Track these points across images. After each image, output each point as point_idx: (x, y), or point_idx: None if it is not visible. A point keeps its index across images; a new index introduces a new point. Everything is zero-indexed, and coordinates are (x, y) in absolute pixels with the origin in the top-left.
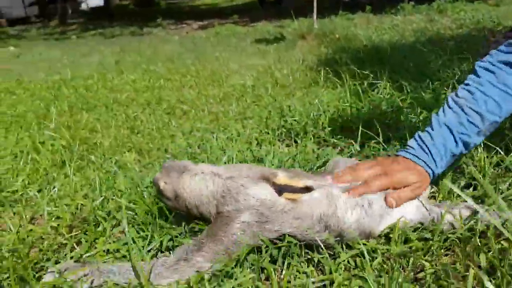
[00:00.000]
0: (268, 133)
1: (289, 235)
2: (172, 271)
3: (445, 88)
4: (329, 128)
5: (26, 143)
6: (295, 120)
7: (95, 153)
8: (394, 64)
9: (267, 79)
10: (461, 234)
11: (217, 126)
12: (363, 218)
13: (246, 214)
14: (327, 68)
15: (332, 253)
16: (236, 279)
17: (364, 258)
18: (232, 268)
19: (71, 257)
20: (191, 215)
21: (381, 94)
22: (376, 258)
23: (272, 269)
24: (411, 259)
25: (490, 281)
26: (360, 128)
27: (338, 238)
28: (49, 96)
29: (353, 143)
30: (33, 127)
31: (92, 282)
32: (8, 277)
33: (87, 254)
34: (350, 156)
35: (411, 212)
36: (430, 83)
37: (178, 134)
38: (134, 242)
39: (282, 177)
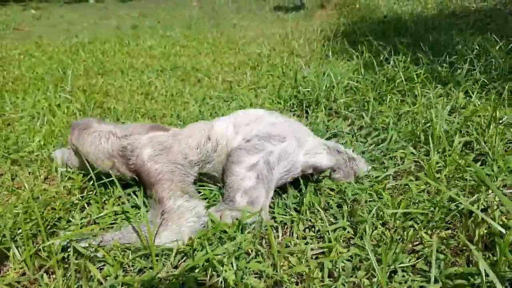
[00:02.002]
0: (280, 103)
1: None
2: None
3: (463, 63)
4: (341, 100)
5: (42, 105)
6: (308, 90)
7: (109, 117)
8: (414, 37)
9: (283, 48)
10: (463, 208)
11: (230, 95)
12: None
13: (148, 149)
14: (345, 39)
15: (334, 221)
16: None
17: (365, 229)
18: (235, 231)
19: (82, 218)
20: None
21: (396, 67)
22: (376, 228)
23: (272, 235)
24: (411, 231)
25: (487, 257)
26: (372, 101)
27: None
28: (66, 60)
29: (364, 115)
30: (50, 90)
31: (99, 243)
32: (21, 233)
33: (97, 216)
34: (360, 129)
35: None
36: (447, 57)
37: (191, 102)
38: (138, 207)
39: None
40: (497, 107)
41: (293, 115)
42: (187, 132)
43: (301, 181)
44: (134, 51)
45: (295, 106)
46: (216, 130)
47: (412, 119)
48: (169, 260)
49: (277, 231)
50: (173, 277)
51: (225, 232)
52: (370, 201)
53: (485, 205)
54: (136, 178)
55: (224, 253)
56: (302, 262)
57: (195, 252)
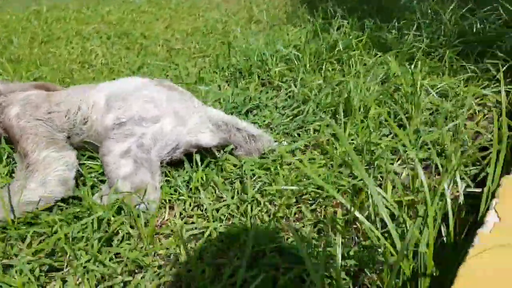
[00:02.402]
0: (216, 73)
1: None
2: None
3: (410, 29)
4: (276, 69)
5: None
6: (244, 59)
7: None
8: (371, 2)
9: (243, 14)
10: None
11: (169, 64)
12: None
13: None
14: (305, 5)
15: (224, 198)
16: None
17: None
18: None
19: None
20: None
21: (340, 33)
22: (260, 205)
23: (142, 218)
24: (294, 208)
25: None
26: (301, 72)
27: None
28: (18, 28)
29: (292, 86)
30: None
31: None
32: None
33: None
34: (285, 100)
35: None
36: (396, 22)
37: (126, 71)
38: None
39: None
40: (418, 76)
41: (228, 85)
42: (64, 96)
43: (196, 158)
44: (90, 18)
45: (231, 75)
46: (90, 100)
47: (338, 90)
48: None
49: (165, 212)
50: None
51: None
52: (260, 177)
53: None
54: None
55: (83, 234)
56: (177, 244)
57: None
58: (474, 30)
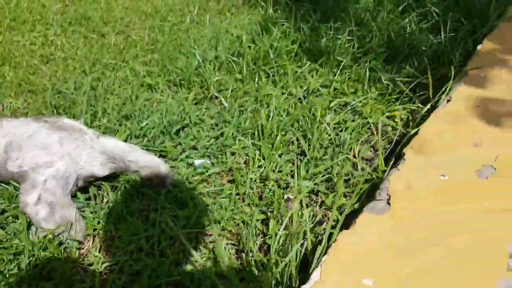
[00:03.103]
0: (161, 76)
1: None
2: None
3: (343, 34)
4: (214, 78)
5: None
6: (184, 67)
7: None
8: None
9: None
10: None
11: (120, 62)
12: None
13: None
14: None
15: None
16: None
17: None
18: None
19: None
20: None
21: (284, 34)
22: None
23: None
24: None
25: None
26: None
27: None
28: None
29: (222, 100)
30: None
31: None
32: None
33: None
34: (217, 115)
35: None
36: (333, 23)
37: (80, 69)
38: None
39: None
40: (327, 98)
41: (169, 89)
42: None
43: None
44: None
45: (173, 79)
46: None
47: (259, 107)
48: None
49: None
50: None
51: None
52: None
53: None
54: None
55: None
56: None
57: None
58: (404, 33)
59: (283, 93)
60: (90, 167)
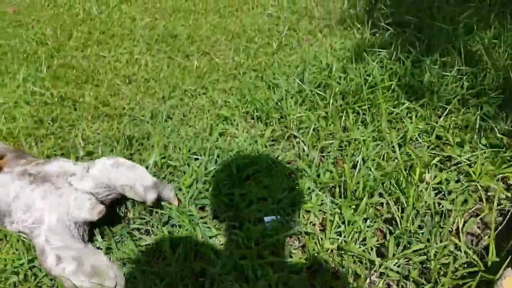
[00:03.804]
0: (238, 108)
1: None
2: None
3: (451, 70)
4: (295, 115)
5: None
6: (263, 101)
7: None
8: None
9: (298, 6)
10: None
11: (199, 88)
12: None
13: None
14: (363, 3)
15: None
16: None
17: None
18: None
19: None
20: None
21: (381, 63)
22: None
23: None
24: None
25: None
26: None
27: None
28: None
29: (302, 142)
30: (40, 66)
31: None
32: None
33: None
34: (294, 161)
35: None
36: (439, 57)
37: (160, 93)
38: None
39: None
40: (419, 164)
41: (245, 122)
42: None
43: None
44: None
45: (252, 112)
46: None
47: (344, 154)
48: None
49: None
50: None
51: None
52: None
53: None
54: None
55: None
56: None
57: None
58: None
59: (374, 139)
60: (80, 213)
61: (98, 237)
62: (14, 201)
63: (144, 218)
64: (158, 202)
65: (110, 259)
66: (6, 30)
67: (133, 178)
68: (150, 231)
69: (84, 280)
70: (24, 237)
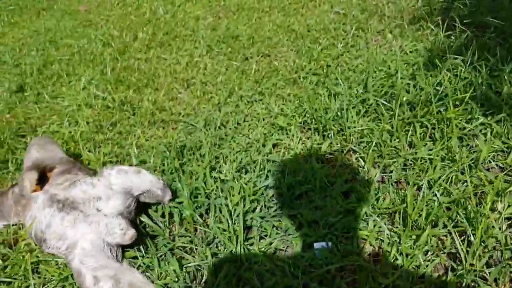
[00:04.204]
0: (295, 117)
1: None
2: None
3: None
4: (354, 129)
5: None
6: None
7: (128, 124)
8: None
9: (367, 3)
10: None
11: (256, 94)
12: None
13: None
14: (442, 6)
15: None
16: None
17: None
18: None
19: None
20: None
21: (455, 71)
22: None
23: None
24: None
25: None
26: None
27: None
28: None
29: (361, 160)
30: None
31: None
32: None
33: None
34: (349, 181)
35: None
36: None
37: (216, 99)
38: None
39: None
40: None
41: (302, 133)
42: None
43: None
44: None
45: (309, 122)
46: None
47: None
48: None
49: None
50: None
51: None
52: None
53: None
54: None
55: None
56: None
57: None
58: None
59: (442, 158)
60: (113, 239)
61: (139, 253)
62: (47, 229)
63: (189, 236)
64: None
65: (148, 277)
66: (76, 29)
67: (147, 182)
68: (194, 249)
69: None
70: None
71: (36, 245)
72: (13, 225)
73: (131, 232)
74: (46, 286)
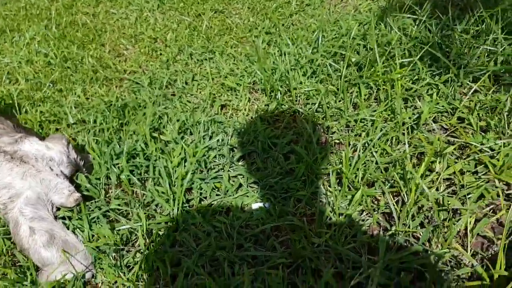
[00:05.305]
0: (243, 77)
1: None
2: None
3: (485, 41)
4: (301, 90)
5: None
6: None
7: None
8: None
9: None
10: None
11: (207, 52)
12: None
13: None
14: None
15: None
16: None
17: None
18: None
19: None
20: None
21: (405, 31)
22: None
23: None
24: None
25: None
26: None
27: None
28: None
29: (308, 126)
30: None
31: None
32: None
33: None
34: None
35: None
36: (470, 28)
37: (165, 56)
38: None
39: None
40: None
41: (254, 99)
42: None
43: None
44: None
45: (258, 81)
46: None
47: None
48: None
49: None
50: None
51: None
52: None
53: None
54: None
55: None
56: None
57: None
58: None
59: (384, 119)
60: (59, 199)
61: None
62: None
63: (124, 198)
64: None
65: (79, 237)
66: None
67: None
68: (131, 212)
69: (54, 254)
70: None
71: None
72: None
73: (77, 195)
74: None
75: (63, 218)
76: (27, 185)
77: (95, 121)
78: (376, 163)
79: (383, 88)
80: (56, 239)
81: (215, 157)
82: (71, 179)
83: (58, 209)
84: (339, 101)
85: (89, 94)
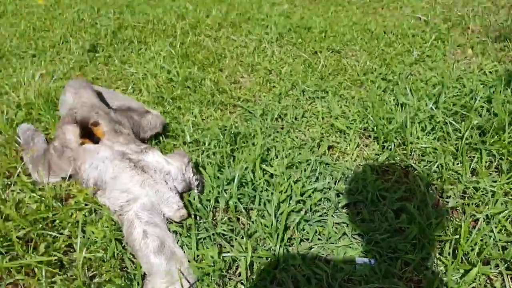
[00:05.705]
0: (355, 121)
1: None
2: None
3: None
4: (418, 145)
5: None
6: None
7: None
8: None
9: (450, 14)
10: None
11: (319, 90)
12: None
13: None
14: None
15: None
16: None
17: None
18: None
19: None
20: None
21: None
22: None
23: None
24: None
25: None
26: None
27: None
28: None
29: (421, 181)
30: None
31: None
32: None
33: None
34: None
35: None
36: None
37: (278, 87)
38: None
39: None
40: None
41: (364, 146)
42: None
43: None
44: None
45: (364, 131)
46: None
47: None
48: None
49: None
50: None
51: None
52: None
53: None
54: None
55: None
56: None
57: None
58: None
59: (506, 193)
60: (167, 212)
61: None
62: (112, 179)
63: (230, 225)
64: None
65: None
66: None
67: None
68: (234, 239)
69: (162, 262)
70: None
71: (87, 194)
72: (64, 178)
73: (184, 212)
74: (89, 246)
75: (175, 232)
76: (144, 193)
77: (209, 144)
78: (495, 240)
79: (507, 159)
80: (166, 247)
81: (320, 199)
82: (181, 195)
83: (170, 222)
84: (457, 164)
85: (205, 115)
